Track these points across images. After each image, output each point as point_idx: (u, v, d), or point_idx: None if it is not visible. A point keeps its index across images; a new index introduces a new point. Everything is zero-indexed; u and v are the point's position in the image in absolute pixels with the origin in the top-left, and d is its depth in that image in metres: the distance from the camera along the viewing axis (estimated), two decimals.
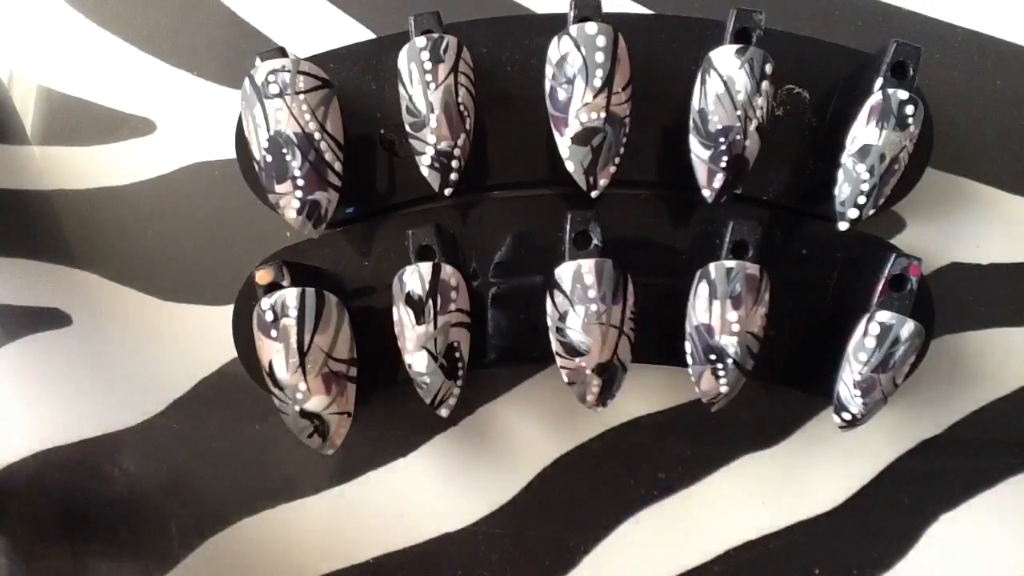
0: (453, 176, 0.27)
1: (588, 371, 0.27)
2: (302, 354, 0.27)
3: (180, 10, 0.33)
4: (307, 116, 0.27)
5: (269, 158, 0.27)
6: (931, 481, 0.32)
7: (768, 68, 0.27)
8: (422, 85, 0.27)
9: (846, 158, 0.27)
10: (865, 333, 0.27)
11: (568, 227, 0.28)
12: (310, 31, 0.33)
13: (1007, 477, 0.32)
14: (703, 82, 0.27)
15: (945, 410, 0.32)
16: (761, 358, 0.28)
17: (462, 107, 0.27)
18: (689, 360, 0.28)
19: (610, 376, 0.28)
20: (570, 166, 0.27)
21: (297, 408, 0.27)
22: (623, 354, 0.28)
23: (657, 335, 0.30)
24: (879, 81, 0.27)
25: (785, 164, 0.30)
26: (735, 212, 0.29)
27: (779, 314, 0.28)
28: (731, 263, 0.27)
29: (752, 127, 0.27)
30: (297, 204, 0.27)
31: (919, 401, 0.32)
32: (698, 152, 0.27)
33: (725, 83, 0.26)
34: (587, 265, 0.27)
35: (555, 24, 0.28)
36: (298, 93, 0.26)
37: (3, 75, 0.34)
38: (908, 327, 0.27)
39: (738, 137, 0.26)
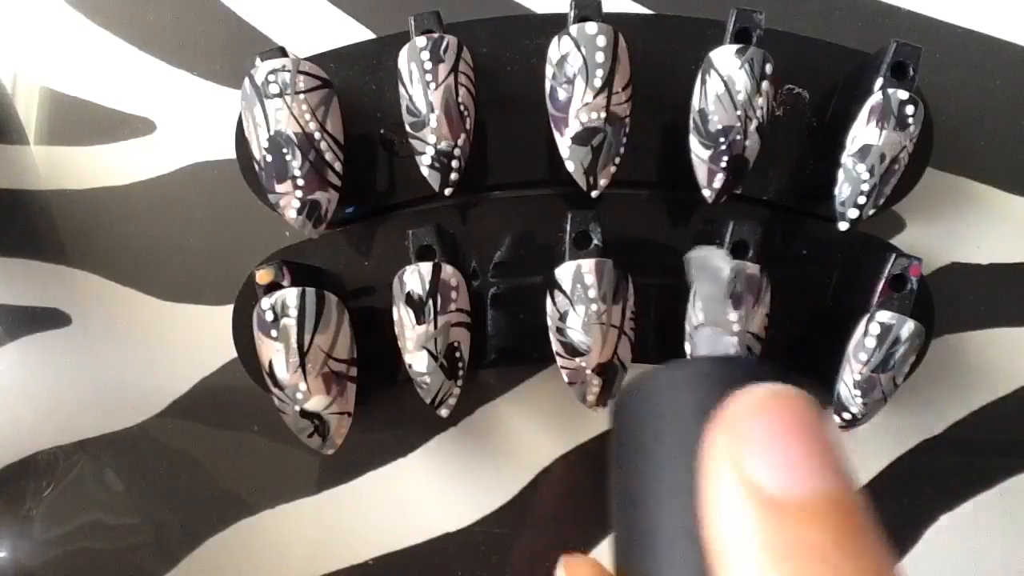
0: (453, 176, 0.27)
1: (588, 371, 0.27)
2: (302, 354, 0.27)
3: (180, 10, 0.33)
4: (307, 116, 0.27)
5: (269, 158, 0.27)
6: (931, 481, 0.32)
7: (768, 68, 0.27)
8: (422, 85, 0.27)
9: (846, 158, 0.27)
10: (865, 333, 0.27)
11: (568, 227, 0.28)
12: (310, 31, 0.33)
13: (1007, 477, 0.32)
14: (703, 82, 0.27)
15: (945, 410, 0.32)
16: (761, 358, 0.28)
17: (462, 107, 0.27)
18: None
19: (610, 376, 0.28)
20: (570, 166, 0.27)
21: (297, 408, 0.27)
22: (623, 354, 0.28)
23: (657, 335, 0.30)
24: (879, 81, 0.27)
25: (785, 164, 0.30)
26: (735, 212, 0.29)
27: (779, 314, 0.28)
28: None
29: (752, 127, 0.27)
30: (297, 204, 0.27)
31: (919, 401, 0.32)
32: (698, 152, 0.27)
33: (725, 83, 0.26)
34: (587, 265, 0.27)
35: (555, 24, 0.28)
36: (298, 93, 0.26)
37: (7, 77, 0.34)
38: (908, 327, 0.27)
39: (738, 137, 0.26)
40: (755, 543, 0.12)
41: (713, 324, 0.18)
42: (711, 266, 0.19)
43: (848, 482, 0.13)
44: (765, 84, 0.27)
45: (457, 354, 0.28)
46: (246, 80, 0.27)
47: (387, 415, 0.33)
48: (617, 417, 0.17)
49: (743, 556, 0.12)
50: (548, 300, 0.28)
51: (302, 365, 0.27)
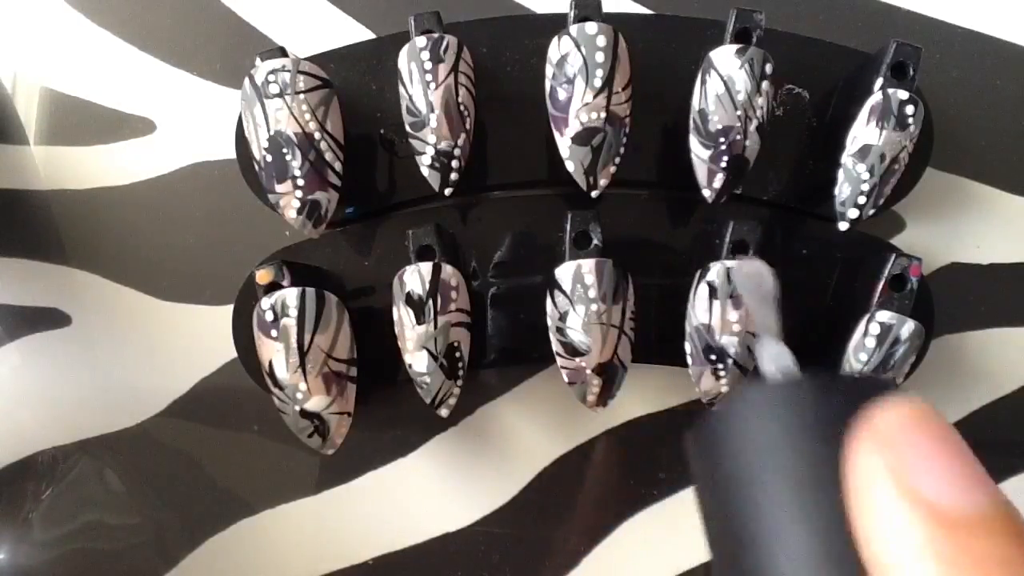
0: (453, 176, 0.27)
1: (588, 371, 0.27)
2: (302, 354, 0.27)
3: (180, 10, 0.33)
4: (307, 116, 0.27)
5: (269, 158, 0.27)
6: None
7: (768, 68, 0.27)
8: (422, 85, 0.27)
9: (846, 158, 0.27)
10: (865, 333, 0.27)
11: (568, 227, 0.28)
12: (310, 31, 0.33)
13: (1007, 477, 0.32)
14: (703, 82, 0.27)
15: (945, 410, 0.32)
16: None
17: (462, 107, 0.27)
18: (689, 360, 0.28)
19: (610, 376, 0.28)
20: (570, 166, 0.27)
21: (297, 408, 0.27)
22: (623, 354, 0.28)
23: (657, 335, 0.30)
24: (879, 81, 0.27)
25: (785, 164, 0.30)
26: (735, 212, 0.29)
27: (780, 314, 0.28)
28: (731, 263, 0.27)
29: (752, 127, 0.27)
30: (297, 204, 0.27)
31: None
32: (698, 152, 0.27)
33: (725, 83, 0.26)
34: (587, 265, 0.27)
35: (555, 24, 0.28)
36: (298, 93, 0.26)
37: (7, 77, 0.34)
38: (908, 327, 0.27)
39: (738, 137, 0.26)
40: (928, 557, 0.12)
41: (767, 332, 0.18)
42: (758, 275, 0.19)
43: (1005, 496, 0.13)
44: (765, 84, 0.27)
45: (457, 354, 0.28)
46: (246, 80, 0.27)
47: (387, 415, 0.33)
48: (712, 446, 0.16)
49: (915, 571, 0.12)
50: (548, 300, 0.28)
51: (302, 365, 0.27)
